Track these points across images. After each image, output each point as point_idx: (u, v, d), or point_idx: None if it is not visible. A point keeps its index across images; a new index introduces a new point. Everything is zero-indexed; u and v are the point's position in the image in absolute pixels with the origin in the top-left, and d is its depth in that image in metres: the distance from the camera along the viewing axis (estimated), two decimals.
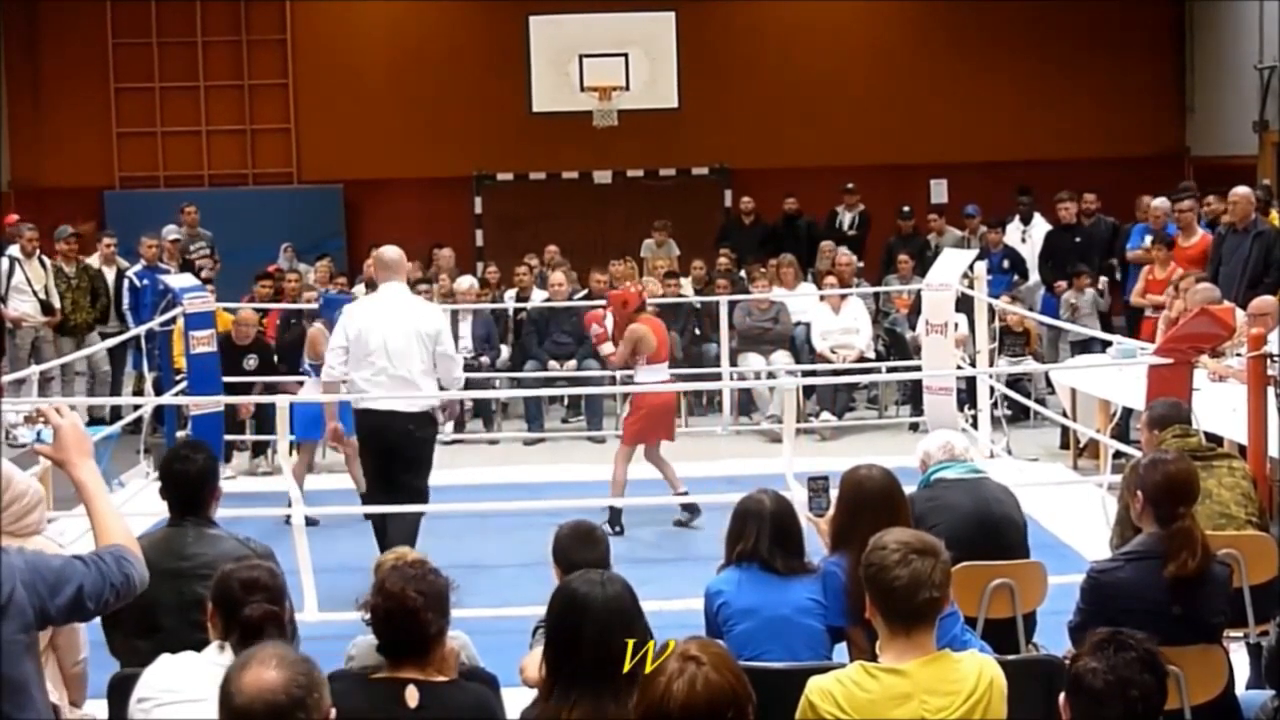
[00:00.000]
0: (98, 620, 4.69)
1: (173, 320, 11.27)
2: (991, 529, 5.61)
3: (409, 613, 3.75)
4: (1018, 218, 14.94)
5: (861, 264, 14.77)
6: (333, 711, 3.00)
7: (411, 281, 13.66)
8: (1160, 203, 12.94)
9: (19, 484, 4.47)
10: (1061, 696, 3.39)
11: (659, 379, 9.50)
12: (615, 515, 9.17)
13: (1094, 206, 13.95)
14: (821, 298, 12.97)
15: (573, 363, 12.70)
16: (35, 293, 12.63)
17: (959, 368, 10.94)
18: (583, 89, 15.97)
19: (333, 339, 8.04)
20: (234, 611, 3.89)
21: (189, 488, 4.95)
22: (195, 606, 4.32)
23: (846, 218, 16.15)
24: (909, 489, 5.22)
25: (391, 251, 8.08)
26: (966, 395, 11.30)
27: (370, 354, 7.74)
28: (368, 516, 8.07)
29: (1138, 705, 3.26)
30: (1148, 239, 12.54)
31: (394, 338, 7.75)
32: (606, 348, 9.77)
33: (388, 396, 7.75)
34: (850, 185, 16.15)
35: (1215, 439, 6.93)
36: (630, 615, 3.57)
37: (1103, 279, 13.30)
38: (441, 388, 7.96)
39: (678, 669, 3.01)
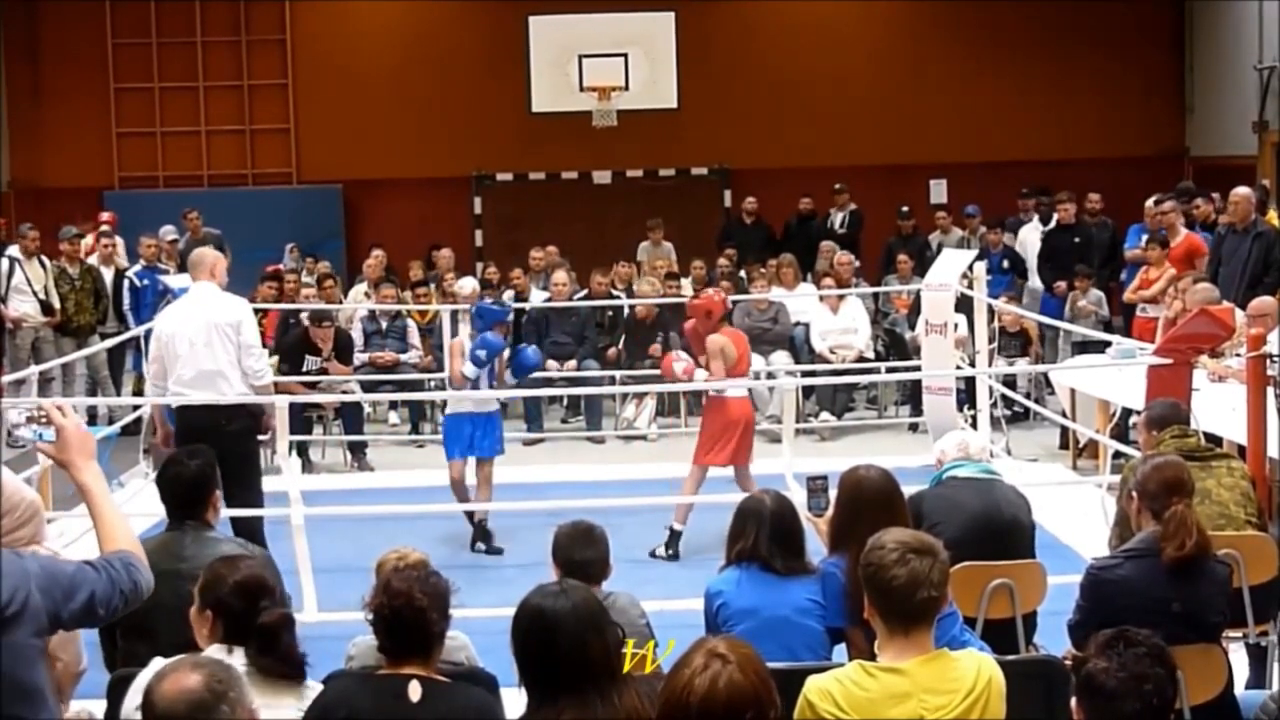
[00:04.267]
0: None
1: None
2: (999, 532, 5.60)
3: (417, 611, 3.75)
4: (1036, 218, 14.91)
5: (858, 263, 14.78)
6: (258, 713, 3.06)
7: (412, 282, 13.84)
8: (1152, 203, 13.01)
9: (13, 495, 4.36)
10: (1073, 701, 3.38)
11: (740, 394, 8.89)
12: (674, 538, 8.69)
13: (1098, 207, 13.94)
14: (821, 298, 12.98)
15: (573, 363, 12.70)
16: (35, 293, 12.64)
17: (958, 368, 10.94)
18: (582, 89, 15.97)
19: (150, 354, 8.12)
20: (240, 618, 3.87)
21: (184, 492, 5.00)
22: (188, 609, 4.33)
23: (837, 217, 16.16)
24: (908, 489, 5.22)
25: (197, 252, 8.26)
26: (966, 396, 11.30)
27: (179, 356, 7.76)
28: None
29: (1152, 699, 3.27)
30: (1144, 238, 12.57)
31: (197, 334, 7.74)
32: (700, 374, 8.89)
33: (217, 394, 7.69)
34: (839, 185, 16.16)
35: (1214, 439, 6.94)
36: (599, 616, 3.56)
37: (1100, 294, 13.16)
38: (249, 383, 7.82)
39: (702, 664, 3.01)
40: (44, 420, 3.58)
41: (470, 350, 8.98)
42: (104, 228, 14.11)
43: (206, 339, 7.73)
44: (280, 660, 3.84)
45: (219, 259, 8.17)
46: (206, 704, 2.95)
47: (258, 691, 3.72)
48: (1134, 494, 5.00)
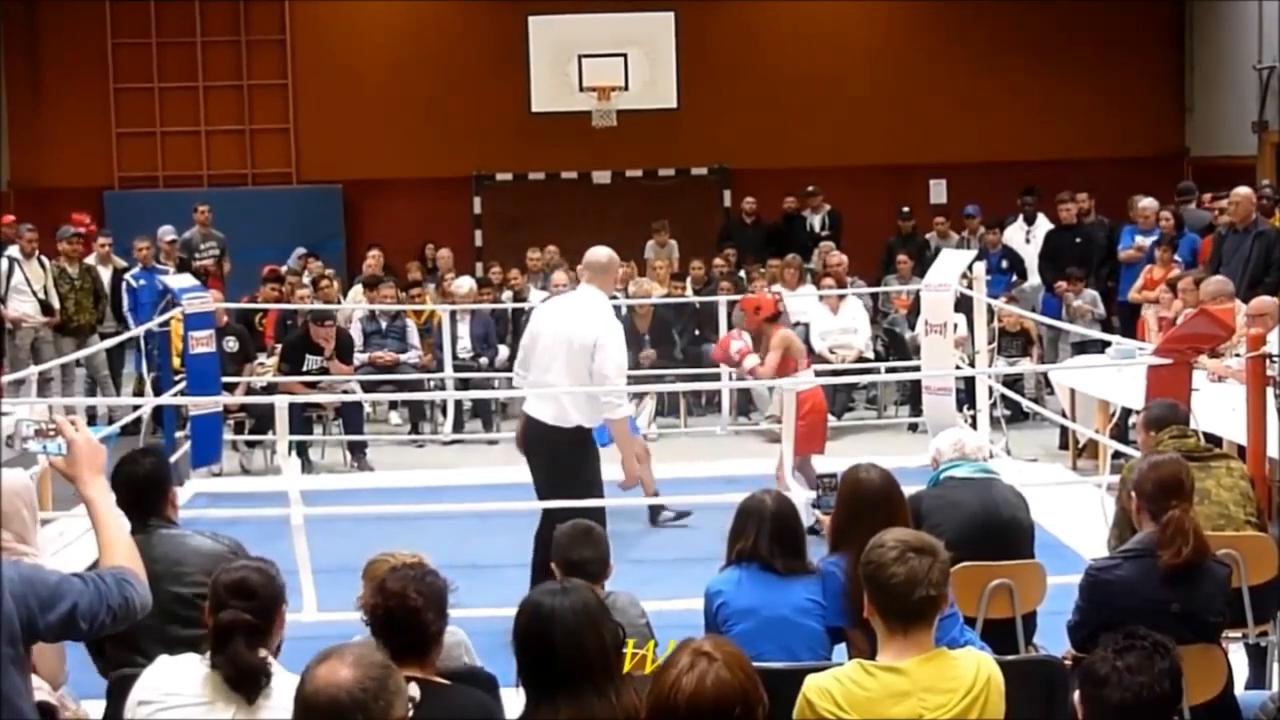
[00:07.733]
0: None
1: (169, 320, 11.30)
2: (997, 531, 5.60)
3: (411, 611, 3.74)
4: (1021, 217, 14.92)
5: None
6: None
7: (406, 283, 13.83)
8: (1147, 203, 13.00)
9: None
10: (1075, 695, 3.38)
11: (811, 385, 9.06)
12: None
13: (1086, 206, 13.93)
14: (821, 298, 12.99)
15: None
16: (35, 293, 12.63)
17: (958, 368, 10.94)
18: (582, 89, 15.97)
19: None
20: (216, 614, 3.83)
21: (139, 490, 4.88)
22: (167, 608, 4.29)
23: (815, 220, 16.16)
24: (908, 489, 5.22)
25: (593, 253, 7.45)
26: (965, 396, 11.30)
27: (530, 357, 7.48)
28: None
29: (1156, 699, 3.29)
30: (1138, 238, 12.56)
31: (545, 341, 7.38)
32: (751, 360, 9.13)
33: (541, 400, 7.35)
34: (811, 188, 16.16)
35: (1214, 439, 6.94)
36: (598, 615, 3.55)
37: (1094, 294, 13.15)
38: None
39: (689, 663, 3.03)
40: (53, 433, 3.55)
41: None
42: (78, 229, 13.82)
43: (553, 350, 7.32)
44: (229, 663, 3.62)
45: (609, 262, 7.44)
46: (344, 707, 2.85)
47: (211, 695, 3.62)
48: (1133, 493, 5.01)
